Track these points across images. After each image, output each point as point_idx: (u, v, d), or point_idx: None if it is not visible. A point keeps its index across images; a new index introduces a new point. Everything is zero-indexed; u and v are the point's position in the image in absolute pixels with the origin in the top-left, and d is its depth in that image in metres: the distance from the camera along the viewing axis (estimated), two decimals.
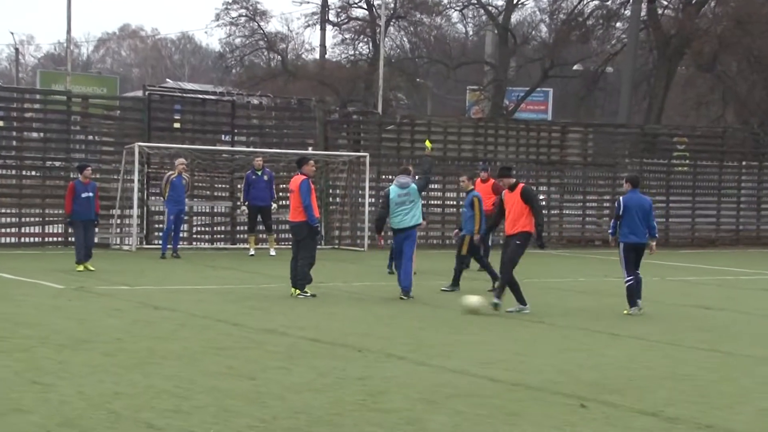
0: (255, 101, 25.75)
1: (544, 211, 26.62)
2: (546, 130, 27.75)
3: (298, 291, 13.63)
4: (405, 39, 46.33)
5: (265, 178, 20.88)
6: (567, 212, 27.63)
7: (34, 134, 23.56)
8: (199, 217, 23.92)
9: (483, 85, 43.41)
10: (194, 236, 23.58)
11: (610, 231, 13.17)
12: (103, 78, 60.95)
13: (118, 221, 22.04)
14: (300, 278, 13.64)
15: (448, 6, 44.11)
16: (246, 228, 22.13)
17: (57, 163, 22.33)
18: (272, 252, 21.22)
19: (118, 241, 22.10)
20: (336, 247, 24.08)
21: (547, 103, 48.74)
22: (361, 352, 9.44)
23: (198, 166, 22.90)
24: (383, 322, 11.64)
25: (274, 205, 21.40)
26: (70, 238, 21.68)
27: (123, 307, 12.07)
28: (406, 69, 42.87)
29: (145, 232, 22.55)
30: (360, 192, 24.41)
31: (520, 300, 12.62)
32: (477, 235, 14.71)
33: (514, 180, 12.70)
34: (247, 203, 20.87)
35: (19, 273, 15.09)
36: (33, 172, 22.36)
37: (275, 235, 22.02)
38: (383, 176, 25.63)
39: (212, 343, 9.65)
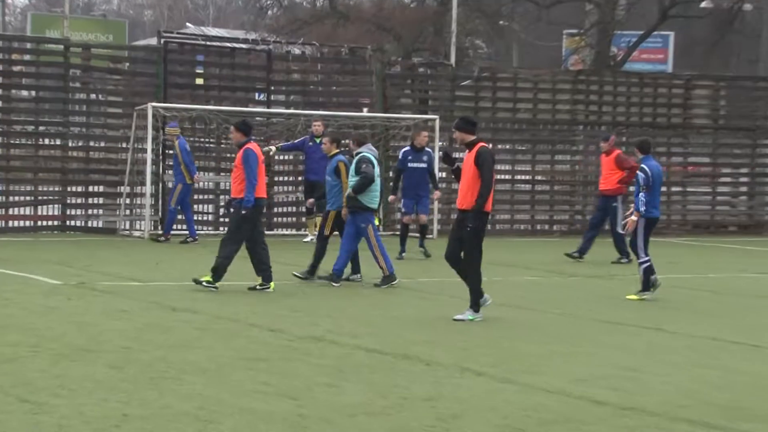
0: (297, 51, 25.80)
1: (663, 188, 26.69)
2: (665, 84, 27.39)
3: (206, 278, 13.79)
4: None
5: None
6: (692, 190, 27.26)
7: (24, 93, 23.92)
8: (226, 196, 24.08)
9: (584, 28, 42.93)
10: (221, 220, 23.78)
11: (642, 208, 13.84)
12: (109, 22, 61.66)
13: (127, 201, 22.29)
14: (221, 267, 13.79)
15: None
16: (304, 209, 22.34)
17: (52, 129, 22.66)
18: (309, 238, 21.39)
19: (127, 226, 22.37)
20: (398, 233, 24.01)
21: (666, 50, 48.07)
22: (430, 365, 9.42)
23: (226, 133, 23.06)
24: (457, 327, 11.61)
25: None
26: (68, 222, 22.10)
27: (133, 308, 12.20)
28: (486, 9, 42.55)
29: (160, 214, 22.79)
30: None
31: (474, 304, 12.04)
32: (345, 209, 15.01)
33: (473, 137, 12.10)
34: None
35: (6, 265, 15.36)
36: (23, 140, 22.74)
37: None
38: (456, 144, 25.55)
39: (244, 353, 9.71)
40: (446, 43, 30.64)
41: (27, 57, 23.49)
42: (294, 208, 24.26)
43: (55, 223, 22.20)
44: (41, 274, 14.83)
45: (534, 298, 14.26)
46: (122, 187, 22.24)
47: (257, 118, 23.86)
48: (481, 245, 12.03)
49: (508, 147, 26.32)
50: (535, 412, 7.88)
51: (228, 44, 25.66)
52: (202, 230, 23.20)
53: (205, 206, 23.90)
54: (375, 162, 14.91)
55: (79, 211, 22.52)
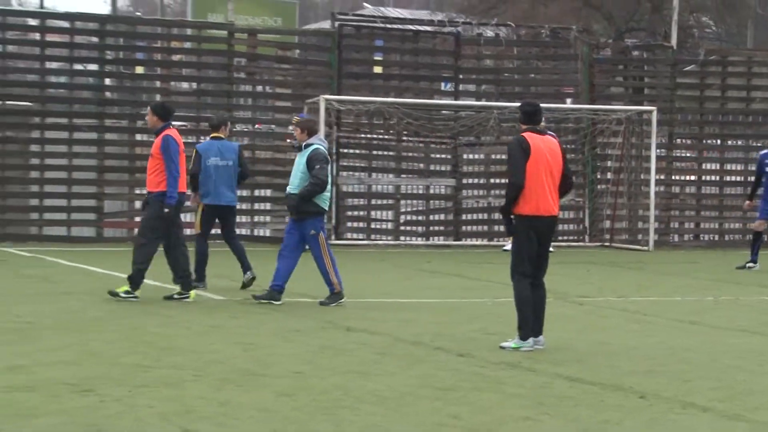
0: (489, 33, 25.88)
1: None
2: None
3: (124, 288, 13.94)
4: None
5: None
6: None
7: (184, 85, 24.70)
8: (409, 202, 24.35)
9: None
10: (402, 228, 24.04)
11: None
12: (277, 4, 62.95)
13: None
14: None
15: None
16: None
17: None
18: (509, 246, 21.53)
19: None
20: (606, 244, 23.88)
21: None
22: (645, 398, 9.34)
23: (407, 129, 23.32)
24: (678, 355, 11.46)
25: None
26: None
27: (304, 328, 12.45)
28: None
29: (334, 221, 23.19)
30: (643, 164, 24.07)
31: (523, 333, 11.33)
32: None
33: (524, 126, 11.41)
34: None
35: (166, 279, 15.87)
36: (184, 138, 23.37)
37: None
38: (677, 140, 25.24)
39: (429, 380, 9.81)
40: (666, 22, 30.28)
41: (188, 44, 24.24)
42: (485, 215, 24.33)
43: (216, 231, 22.74)
44: (204, 289, 15.29)
45: None
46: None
47: (443, 112, 24.06)
48: (522, 256, 11.36)
49: (740, 143, 25.79)
50: None
51: (410, 27, 25.94)
52: (380, 240, 23.53)
53: (384, 213, 24.15)
54: (328, 159, 14.22)
55: (243, 218, 23.03)
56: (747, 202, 20.76)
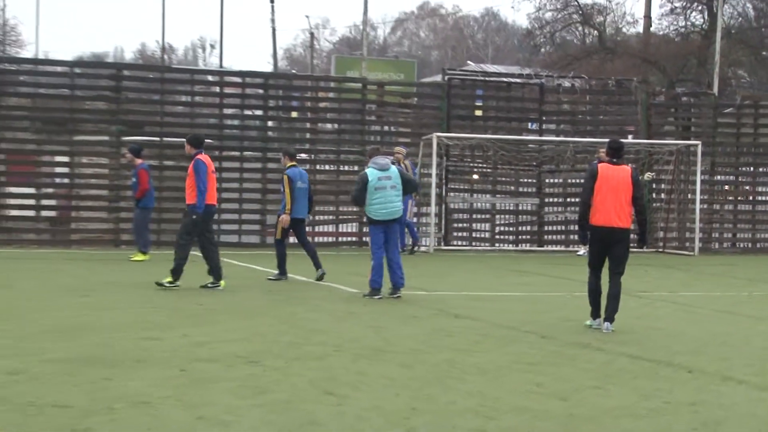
0: (566, 84, 25.68)
1: None
2: None
3: (168, 279, 13.84)
4: (749, 4, 44.20)
5: None
6: None
7: (328, 125, 24.97)
8: (502, 216, 24.29)
9: None
10: (497, 237, 23.96)
11: None
12: (400, 62, 63.22)
13: (414, 219, 22.81)
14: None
15: None
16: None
17: (351, 157, 23.52)
18: (582, 252, 21.45)
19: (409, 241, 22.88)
20: (660, 250, 23.53)
21: None
22: (692, 373, 9.18)
23: (501, 159, 23.24)
24: (719, 339, 11.24)
25: None
26: (364, 238, 22.86)
27: (420, 315, 12.48)
28: (750, 40, 40.86)
29: (443, 231, 23.20)
30: (690, 187, 23.70)
31: (593, 312, 11.53)
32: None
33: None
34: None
35: (313, 275, 16.05)
36: (326, 167, 23.70)
37: None
38: (717, 168, 24.77)
39: (518, 357, 9.77)
40: (709, 74, 29.70)
41: (331, 94, 24.53)
42: (563, 227, 24.14)
43: (353, 239, 23.00)
44: (343, 284, 15.42)
45: None
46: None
47: (530, 146, 23.94)
48: (591, 256, 11.57)
49: None
50: None
51: (504, 79, 25.86)
52: (480, 246, 23.53)
53: (482, 225, 24.17)
54: (372, 176, 13.60)
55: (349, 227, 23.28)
56: None
